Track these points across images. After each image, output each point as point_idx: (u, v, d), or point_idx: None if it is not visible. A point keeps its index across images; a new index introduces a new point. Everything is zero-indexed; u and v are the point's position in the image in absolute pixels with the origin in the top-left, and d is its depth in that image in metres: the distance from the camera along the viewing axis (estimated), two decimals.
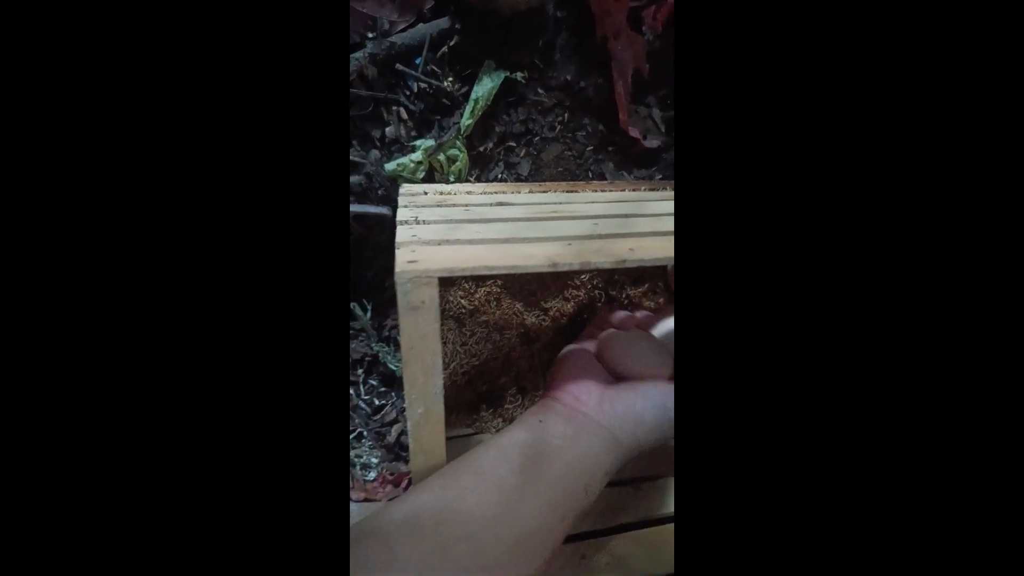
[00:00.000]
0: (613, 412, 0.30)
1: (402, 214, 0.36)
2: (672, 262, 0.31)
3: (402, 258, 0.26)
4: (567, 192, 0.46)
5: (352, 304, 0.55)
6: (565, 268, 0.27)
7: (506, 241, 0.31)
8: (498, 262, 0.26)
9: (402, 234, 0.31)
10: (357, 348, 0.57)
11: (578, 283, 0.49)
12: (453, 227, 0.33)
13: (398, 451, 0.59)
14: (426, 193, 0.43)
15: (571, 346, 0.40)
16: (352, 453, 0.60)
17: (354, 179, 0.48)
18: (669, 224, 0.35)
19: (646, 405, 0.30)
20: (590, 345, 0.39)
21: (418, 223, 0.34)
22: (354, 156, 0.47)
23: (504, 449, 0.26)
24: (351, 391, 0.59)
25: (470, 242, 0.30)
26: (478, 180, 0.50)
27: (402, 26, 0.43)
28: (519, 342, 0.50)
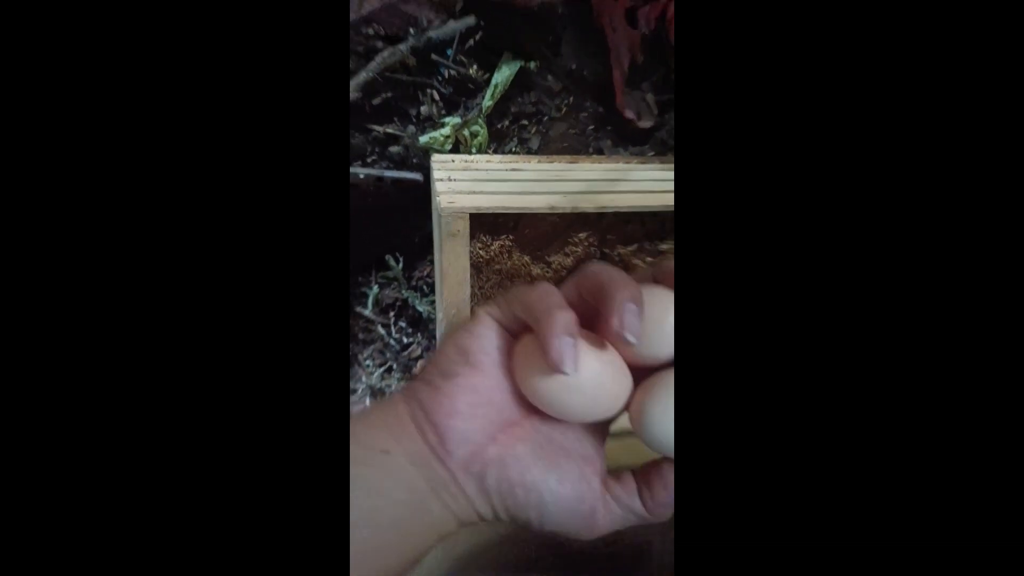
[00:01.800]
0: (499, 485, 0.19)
1: (437, 174, 0.46)
2: (640, 207, 0.41)
3: (443, 201, 0.36)
4: (569, 163, 0.56)
5: (387, 256, 0.65)
6: (559, 211, 0.37)
7: (518, 193, 0.41)
8: (510, 204, 0.36)
9: (440, 187, 0.41)
10: (389, 294, 0.68)
11: (576, 241, 0.59)
12: (478, 183, 0.43)
13: None
14: (454, 161, 0.53)
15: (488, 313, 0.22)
16: (382, 383, 0.71)
17: (393, 149, 0.58)
18: (648, 185, 0.45)
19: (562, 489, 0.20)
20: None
21: (451, 180, 0.44)
22: (393, 130, 0.57)
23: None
24: (381, 330, 0.70)
25: (490, 193, 0.40)
26: (496, 152, 0.59)
27: (437, 23, 0.53)
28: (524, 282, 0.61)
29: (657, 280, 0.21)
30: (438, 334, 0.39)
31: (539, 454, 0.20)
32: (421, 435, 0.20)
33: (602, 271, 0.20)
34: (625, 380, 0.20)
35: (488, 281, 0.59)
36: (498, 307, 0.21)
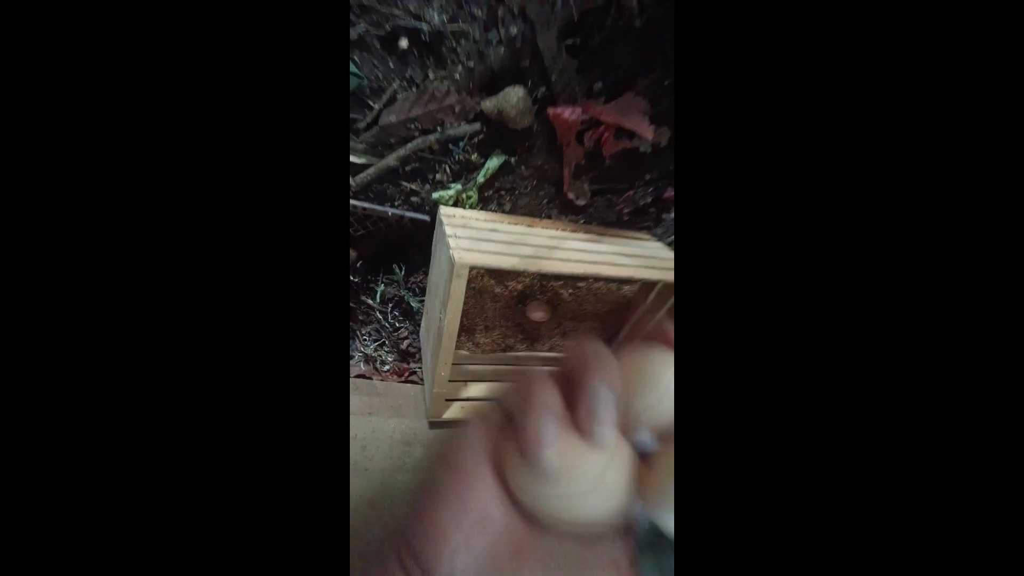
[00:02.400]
0: None
1: (448, 231, 0.75)
2: (566, 273, 0.72)
3: (456, 256, 0.65)
4: (527, 226, 0.86)
5: (394, 265, 0.92)
6: (519, 268, 0.67)
7: (498, 253, 0.70)
8: (492, 263, 0.66)
9: (451, 242, 0.70)
10: (391, 291, 0.94)
11: (525, 275, 0.90)
12: (475, 242, 0.72)
13: (406, 355, 0.98)
14: (454, 215, 0.82)
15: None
16: (376, 354, 0.98)
17: (414, 199, 0.85)
18: (575, 255, 0.76)
19: None
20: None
21: (457, 237, 0.73)
22: (416, 187, 0.84)
23: None
24: (380, 316, 0.96)
25: (482, 252, 0.69)
26: (482, 209, 0.88)
27: (455, 125, 0.81)
28: (489, 300, 0.91)
29: (656, 339, 0.20)
30: (443, 336, 0.69)
31: None
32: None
33: (583, 349, 0.18)
34: (624, 470, 0.17)
35: (468, 292, 0.89)
36: (490, 407, 0.18)
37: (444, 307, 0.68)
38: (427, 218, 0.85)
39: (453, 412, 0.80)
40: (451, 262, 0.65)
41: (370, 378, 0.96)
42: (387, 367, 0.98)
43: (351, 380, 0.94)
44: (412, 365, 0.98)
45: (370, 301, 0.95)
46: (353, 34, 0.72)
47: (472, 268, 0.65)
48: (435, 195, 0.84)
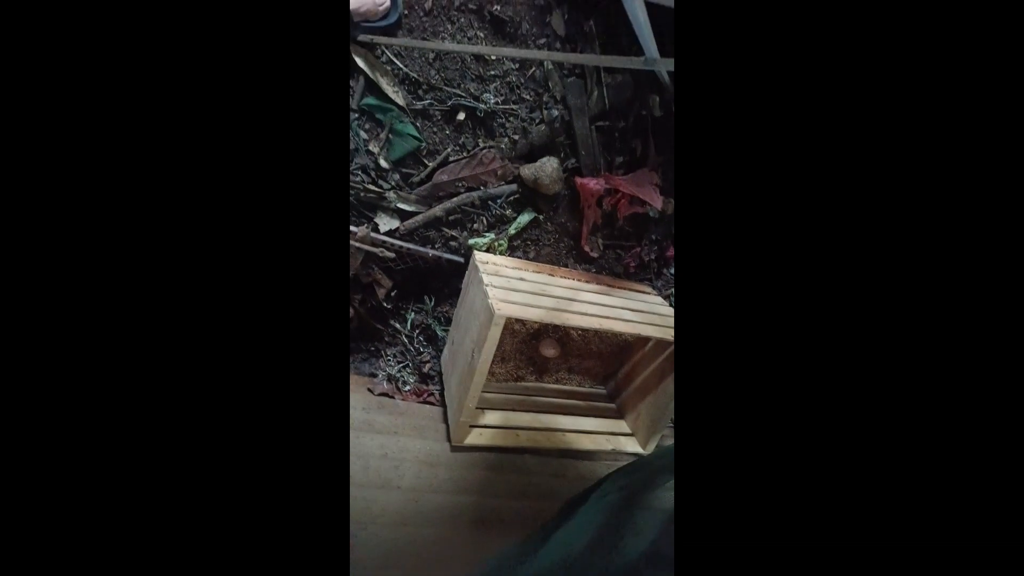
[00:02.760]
0: None
1: (485, 279, 0.86)
2: (582, 327, 0.85)
3: (495, 306, 0.77)
4: (549, 274, 0.99)
5: (424, 296, 1.03)
6: (547, 321, 0.79)
7: (524, 305, 0.82)
8: (523, 315, 0.78)
9: (490, 292, 0.82)
10: (419, 319, 1.05)
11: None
12: (506, 292, 0.84)
13: (426, 378, 1.09)
14: (488, 262, 0.94)
15: None
16: (400, 375, 1.08)
17: (452, 244, 0.97)
18: (588, 308, 0.89)
19: None
20: None
21: (494, 287, 0.85)
22: (456, 234, 0.96)
23: None
24: (406, 340, 1.07)
25: (513, 303, 0.81)
26: (511, 255, 1.01)
27: (495, 185, 0.93)
28: (508, 336, 1.03)
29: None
30: (476, 373, 0.80)
31: None
32: None
33: None
34: None
35: None
36: None
37: (478, 348, 0.80)
38: (461, 259, 0.97)
39: (473, 438, 0.91)
40: (489, 311, 0.77)
41: (392, 397, 1.07)
42: (408, 387, 1.09)
43: (375, 398, 1.04)
44: (431, 387, 1.09)
45: (398, 326, 1.06)
46: (419, 105, 0.84)
47: (507, 318, 0.77)
48: (471, 241, 0.96)
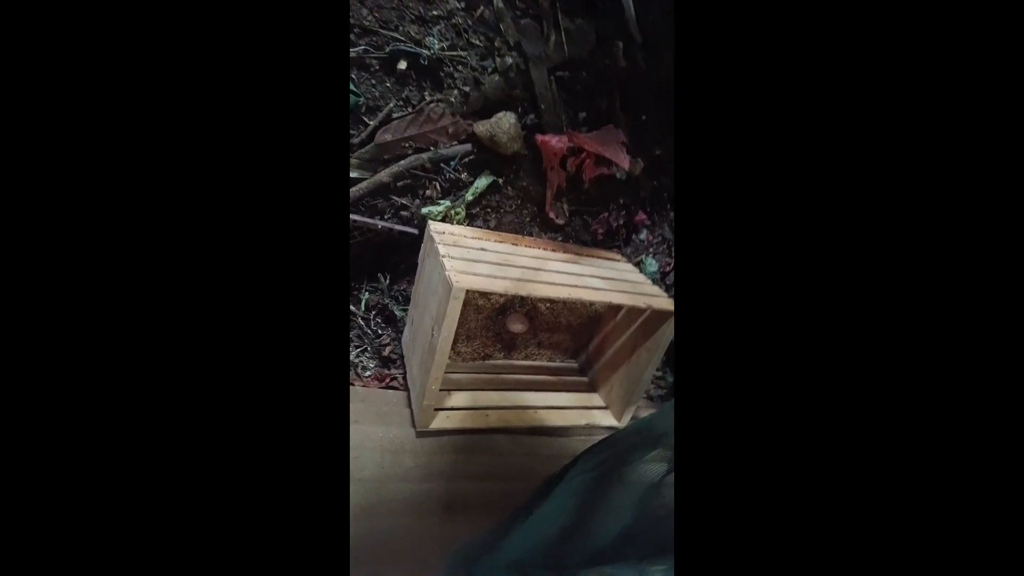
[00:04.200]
0: None
1: (441, 249, 0.78)
2: (551, 298, 0.79)
3: (454, 278, 0.69)
4: (512, 244, 0.91)
5: (379, 274, 0.94)
6: (512, 293, 0.72)
7: (488, 276, 0.75)
8: (487, 286, 0.71)
9: (447, 263, 0.74)
10: (375, 299, 0.96)
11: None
12: (467, 263, 0.76)
13: (387, 362, 1.00)
14: (444, 232, 0.85)
15: None
16: (358, 360, 0.99)
17: (404, 213, 0.87)
18: (556, 278, 0.82)
19: None
20: None
21: (451, 258, 0.77)
22: (407, 202, 0.86)
23: None
24: (362, 323, 0.98)
25: (475, 275, 0.74)
26: (469, 225, 0.92)
27: (448, 145, 0.84)
28: (472, 312, 0.96)
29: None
30: (438, 351, 0.73)
31: None
32: None
33: None
34: None
35: None
36: None
37: (438, 325, 0.72)
38: (415, 231, 0.88)
39: (440, 422, 0.84)
40: (448, 284, 0.69)
41: (352, 384, 0.98)
42: (368, 373, 1.00)
43: None
44: (393, 371, 1.01)
45: (353, 308, 0.97)
46: (352, 53, 0.73)
47: (468, 291, 0.70)
48: (424, 210, 0.87)
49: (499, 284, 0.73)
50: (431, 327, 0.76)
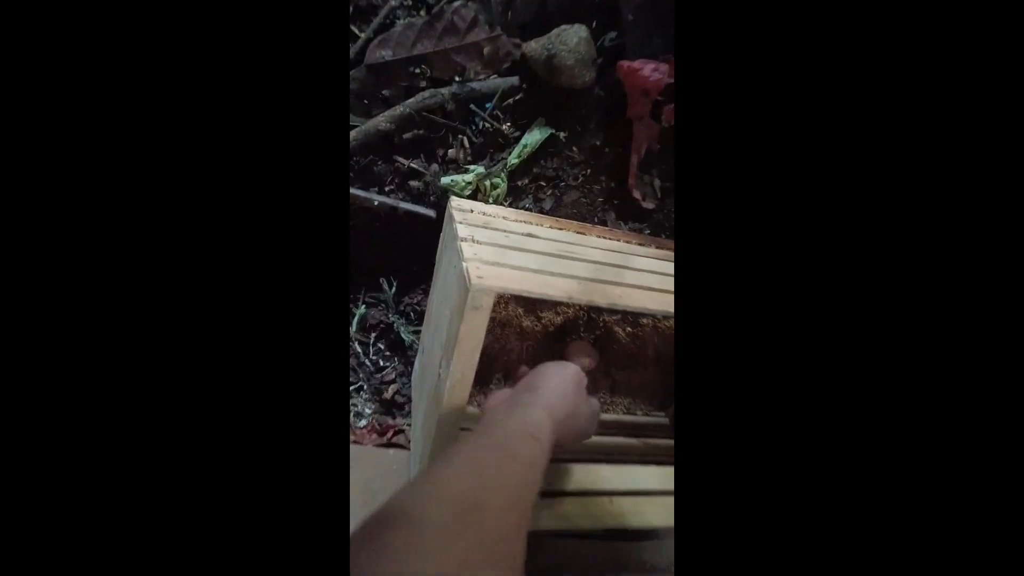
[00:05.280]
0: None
1: (461, 230, 0.48)
2: (647, 311, 0.45)
3: (473, 273, 0.38)
4: (578, 232, 0.59)
5: (381, 279, 0.65)
6: (576, 302, 0.40)
7: (537, 271, 0.43)
8: (534, 288, 0.39)
9: (466, 250, 0.43)
10: (375, 315, 0.68)
11: (568, 304, 0.62)
12: (501, 252, 0.45)
13: (391, 407, 0.70)
14: (472, 211, 0.55)
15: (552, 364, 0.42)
16: (352, 404, 0.71)
17: (413, 183, 0.58)
18: (649, 280, 0.49)
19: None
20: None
21: (475, 242, 0.46)
22: (418, 166, 0.58)
23: (518, 435, 0.30)
24: (359, 348, 0.69)
25: (514, 267, 0.42)
26: (510, 205, 0.62)
27: (483, 76, 0.54)
28: (514, 337, 0.63)
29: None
30: (445, 394, 0.41)
31: None
32: None
33: None
34: None
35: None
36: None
37: (449, 351, 0.41)
38: (431, 213, 0.59)
39: None
40: (464, 283, 0.38)
41: None
42: (364, 422, 0.70)
43: None
44: (400, 421, 0.70)
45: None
46: None
47: (497, 295, 0.38)
48: (445, 180, 0.58)
49: (549, 285, 0.40)
50: (439, 358, 0.45)
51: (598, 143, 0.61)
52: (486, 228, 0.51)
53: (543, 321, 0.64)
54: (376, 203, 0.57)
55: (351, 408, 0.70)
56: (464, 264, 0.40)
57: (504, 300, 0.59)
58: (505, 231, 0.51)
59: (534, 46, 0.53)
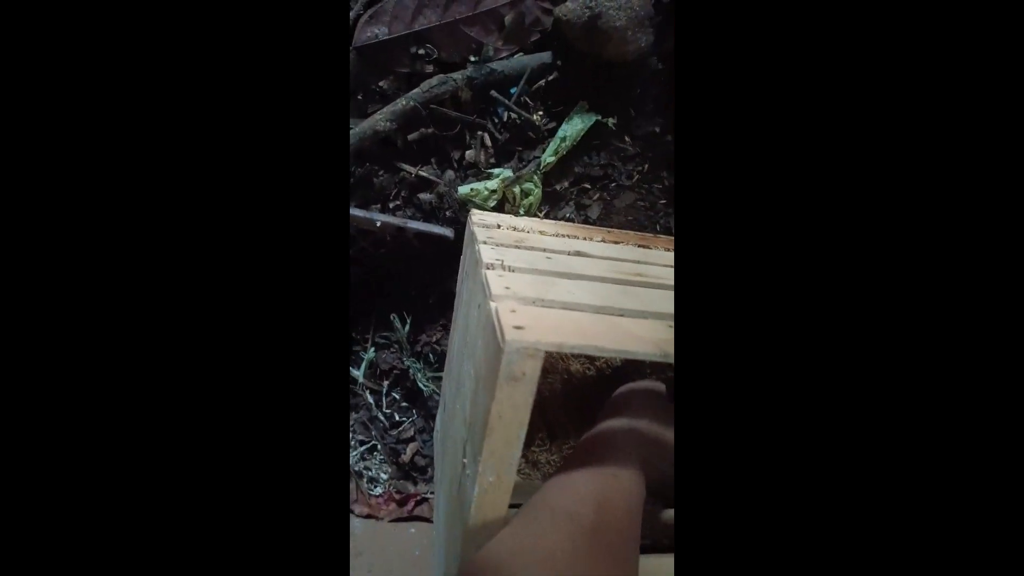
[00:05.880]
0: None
1: (486, 253, 0.35)
2: None
3: (506, 322, 0.25)
4: (639, 246, 0.45)
5: (392, 316, 0.53)
6: (667, 360, 0.26)
7: (603, 309, 0.29)
8: (608, 344, 0.25)
9: (495, 283, 0.30)
10: (387, 359, 0.56)
11: None
12: (543, 282, 0.32)
13: (410, 471, 0.58)
14: (499, 227, 0.42)
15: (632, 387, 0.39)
16: (361, 465, 0.59)
17: (424, 196, 0.46)
18: None
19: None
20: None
21: (506, 270, 0.33)
22: (428, 174, 0.45)
23: (581, 495, 0.27)
24: (371, 399, 0.58)
25: (566, 306, 0.29)
26: (547, 217, 0.48)
27: (505, 54, 0.42)
28: (559, 386, 0.49)
29: None
30: (473, 506, 0.27)
31: None
32: None
33: None
34: None
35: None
36: None
37: (477, 438, 0.28)
38: (448, 232, 0.46)
39: None
40: (495, 336, 0.25)
41: (350, 510, 0.56)
42: (379, 489, 0.58)
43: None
44: (422, 488, 0.57)
45: (354, 371, 0.56)
46: None
47: (546, 353, 0.24)
48: (463, 189, 0.45)
49: (634, 334, 0.27)
50: (462, 442, 0.32)
51: (657, 129, 0.47)
52: (519, 248, 0.38)
53: (597, 364, 0.50)
54: (379, 224, 0.45)
55: (363, 473, 0.58)
56: (492, 305, 0.27)
57: (553, 358, 0.46)
58: (545, 251, 0.38)
59: (570, 6, 0.40)
